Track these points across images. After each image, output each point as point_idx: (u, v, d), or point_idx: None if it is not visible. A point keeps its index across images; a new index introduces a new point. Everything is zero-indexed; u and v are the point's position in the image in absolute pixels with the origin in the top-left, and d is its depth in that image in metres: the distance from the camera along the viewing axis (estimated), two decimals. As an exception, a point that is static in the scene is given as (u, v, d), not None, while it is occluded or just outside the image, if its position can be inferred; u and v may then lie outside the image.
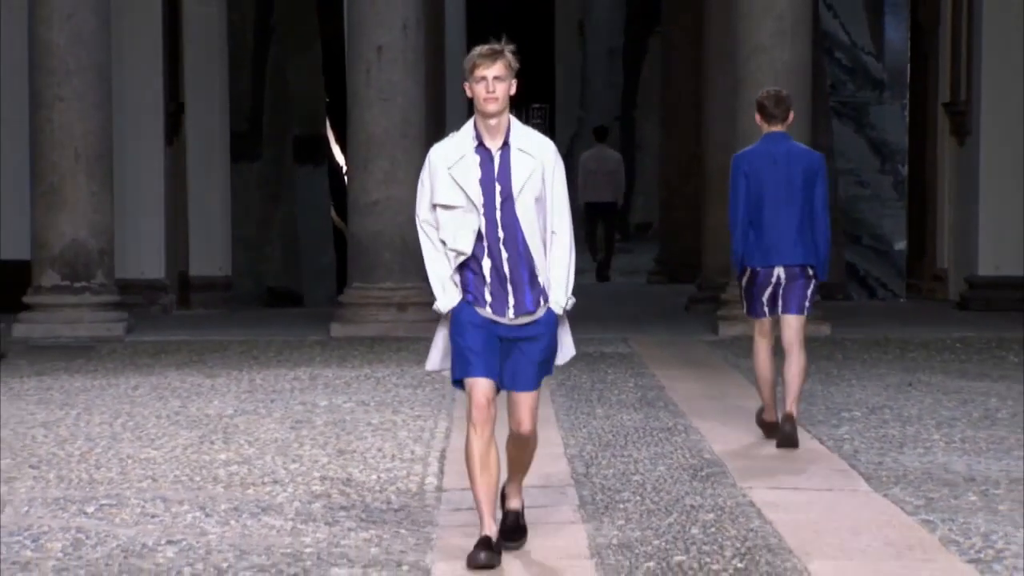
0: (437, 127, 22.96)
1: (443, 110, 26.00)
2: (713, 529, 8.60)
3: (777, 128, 11.69)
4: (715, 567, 7.81)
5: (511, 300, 7.77)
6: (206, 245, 21.44)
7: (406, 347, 16.54)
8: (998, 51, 20.19)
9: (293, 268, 25.41)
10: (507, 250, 7.74)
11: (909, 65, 26.01)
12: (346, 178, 20.45)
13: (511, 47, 7.73)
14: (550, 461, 10.46)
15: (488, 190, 7.72)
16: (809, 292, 11.38)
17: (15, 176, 18.72)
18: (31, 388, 14.01)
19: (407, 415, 12.34)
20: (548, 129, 38.23)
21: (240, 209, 22.68)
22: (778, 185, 11.40)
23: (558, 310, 7.85)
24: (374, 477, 10.10)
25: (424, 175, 7.84)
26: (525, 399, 7.91)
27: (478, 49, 7.76)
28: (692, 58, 24.13)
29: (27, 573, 7.81)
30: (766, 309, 11.40)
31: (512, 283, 7.77)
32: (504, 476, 8.07)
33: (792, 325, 11.33)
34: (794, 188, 11.40)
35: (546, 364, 8.02)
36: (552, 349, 8.00)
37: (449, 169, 7.72)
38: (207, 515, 9.02)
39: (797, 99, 18.02)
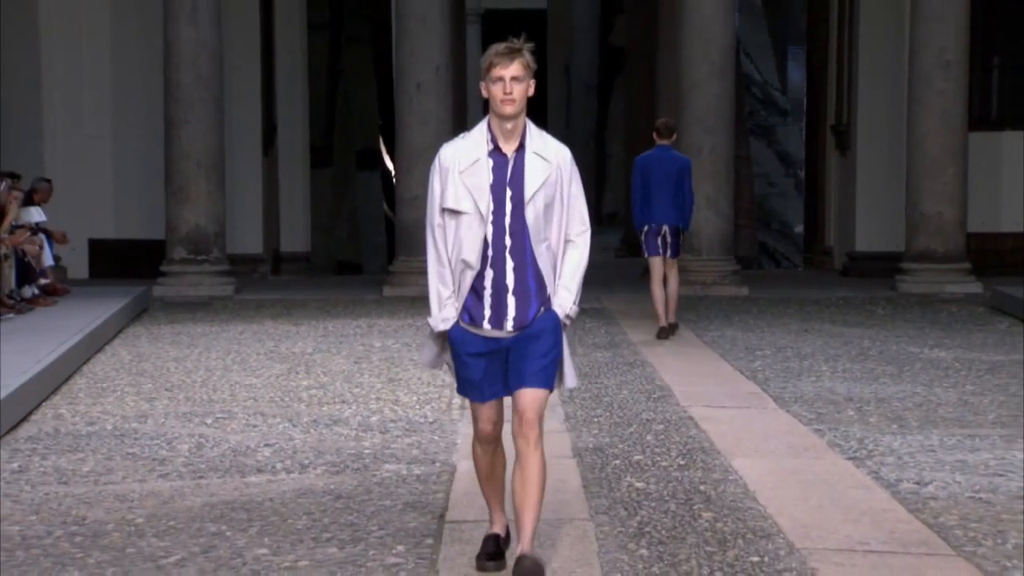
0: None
1: (465, 129, 25.87)
2: (662, 436, 8.62)
3: (664, 142, 13.59)
4: (664, 464, 7.82)
5: (512, 312, 5.46)
6: (292, 228, 21.45)
7: (438, 303, 16.52)
8: (870, 88, 20.17)
9: (355, 245, 25.42)
10: (513, 259, 5.43)
11: (805, 97, 25.95)
12: (394, 179, 20.41)
13: (530, 45, 5.49)
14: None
15: (499, 196, 5.42)
16: (680, 242, 13.65)
17: (152, 178, 18.72)
18: (166, 333, 14.04)
19: (439, 353, 12.34)
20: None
21: (317, 202, 22.68)
22: (660, 177, 13.32)
23: (561, 313, 5.51)
24: (415, 398, 10.12)
25: (434, 179, 5.53)
26: (529, 395, 5.46)
27: (495, 47, 5.49)
28: (647, 92, 24.08)
29: (163, 467, 7.84)
30: (659, 249, 13.42)
31: (515, 294, 5.45)
32: (511, 498, 5.67)
33: (671, 263, 13.57)
34: (670, 180, 13.31)
35: (546, 363, 5.53)
36: (555, 349, 5.53)
37: (461, 173, 5.43)
38: (293, 425, 9.05)
39: (723, 121, 18.10)
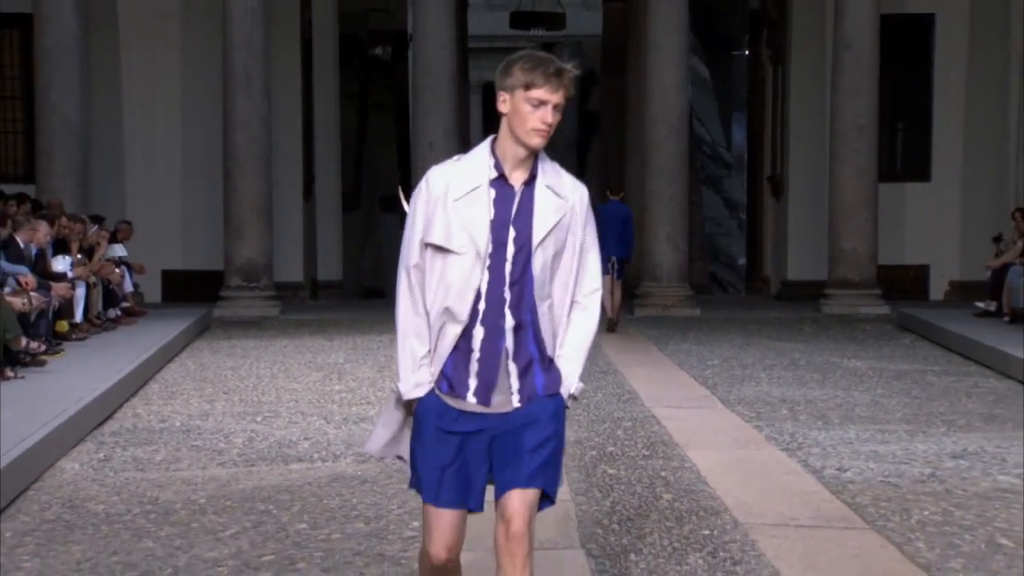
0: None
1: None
2: (630, 431, 8.61)
3: (615, 197, 15.76)
4: (632, 454, 7.81)
5: (507, 384, 3.46)
6: (327, 260, 21.43)
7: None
8: (799, 146, 20.23)
9: (379, 275, 25.38)
10: (513, 316, 3.45)
11: (746, 153, 26.01)
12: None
13: (576, 72, 3.50)
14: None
15: (500, 236, 3.44)
16: (624, 269, 15.57)
17: (213, 220, 18.72)
18: (224, 346, 14.03)
19: (447, 363, 12.34)
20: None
21: (347, 239, 22.66)
22: (610, 223, 14.95)
23: (565, 392, 3.52)
24: (428, 400, 10.10)
25: (417, 206, 3.50)
26: (518, 498, 3.44)
27: (539, 60, 3.45)
28: (616, 150, 24.13)
29: (222, 456, 7.82)
30: (608, 272, 14.80)
31: (512, 362, 3.46)
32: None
33: (617, 284, 15.33)
34: (618, 225, 15.18)
35: (545, 457, 3.47)
36: (555, 439, 3.50)
37: (456, 201, 3.44)
38: (328, 423, 9.03)
39: (679, 173, 18.13)
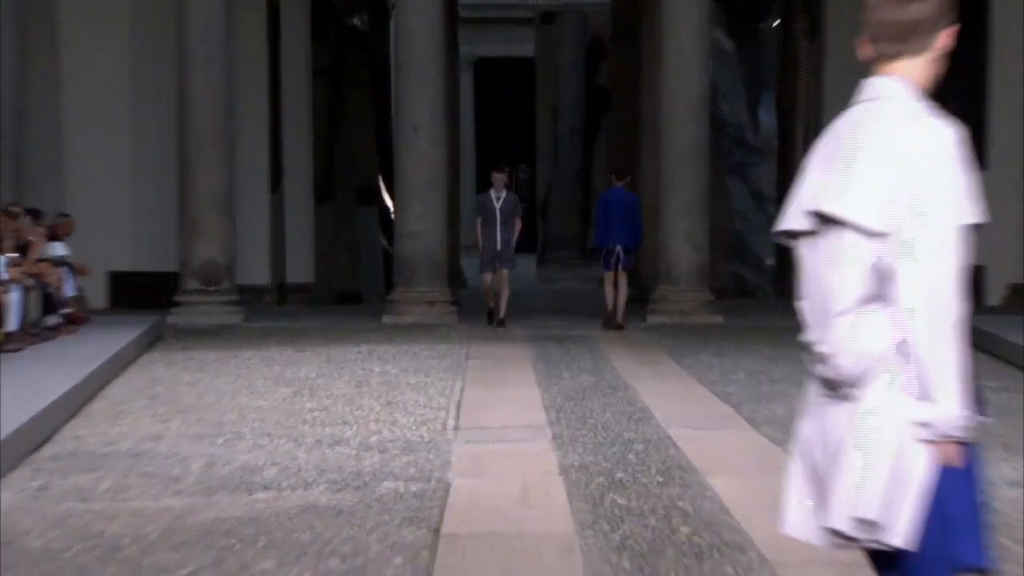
0: (453, 180, 23.05)
1: (458, 171, 26.01)
2: (643, 455, 8.63)
3: (619, 183, 17.16)
4: (644, 481, 7.83)
5: None
6: (296, 260, 21.46)
7: (433, 332, 16.55)
8: (837, 129, 20.26)
9: (355, 276, 25.39)
10: None
11: (776, 138, 26.04)
12: (392, 215, 20.44)
13: None
14: (531, 408, 10.47)
15: None
16: (630, 259, 17.00)
17: (167, 214, 18.75)
18: (179, 358, 14.04)
19: (435, 377, 12.36)
20: (530, 182, 38.19)
21: (320, 236, 22.68)
22: (616, 210, 16.72)
23: None
24: (412, 419, 10.12)
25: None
26: None
27: None
28: (629, 133, 24.17)
29: (176, 484, 7.83)
30: (611, 266, 16.86)
31: None
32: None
33: (622, 274, 16.89)
34: (623, 212, 16.74)
35: None
36: None
37: None
38: (298, 445, 9.04)
39: (699, 161, 18.16)
